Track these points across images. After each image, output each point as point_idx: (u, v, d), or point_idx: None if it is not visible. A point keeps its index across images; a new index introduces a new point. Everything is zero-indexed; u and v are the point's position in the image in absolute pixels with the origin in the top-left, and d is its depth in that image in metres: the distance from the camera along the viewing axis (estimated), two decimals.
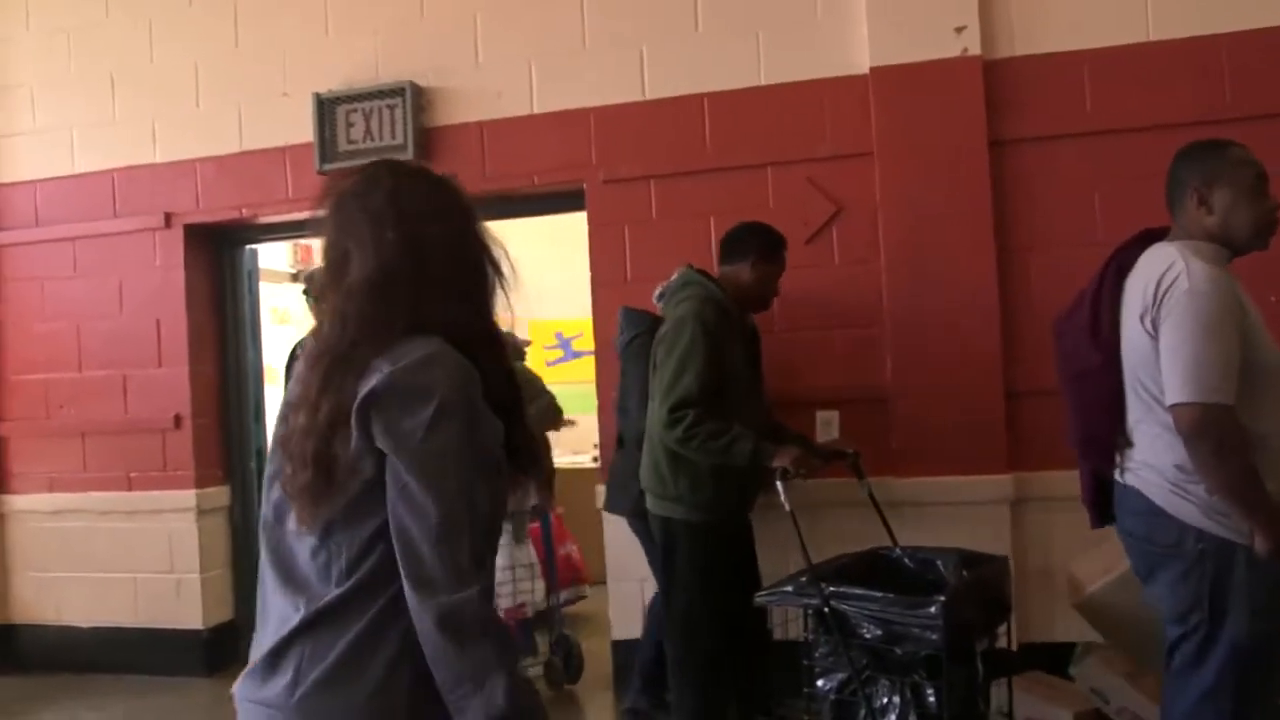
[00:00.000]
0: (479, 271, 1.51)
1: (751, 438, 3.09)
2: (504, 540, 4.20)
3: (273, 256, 7.21)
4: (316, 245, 6.57)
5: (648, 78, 4.28)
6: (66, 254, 5.16)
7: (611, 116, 4.31)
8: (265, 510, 1.45)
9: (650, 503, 3.41)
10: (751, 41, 4.19)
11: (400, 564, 1.31)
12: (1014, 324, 3.88)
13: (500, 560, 4.15)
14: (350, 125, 4.55)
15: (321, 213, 1.51)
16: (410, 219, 1.44)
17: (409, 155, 4.45)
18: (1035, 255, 3.91)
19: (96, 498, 5.07)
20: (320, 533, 1.36)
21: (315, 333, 1.45)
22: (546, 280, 9.22)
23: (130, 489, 5.02)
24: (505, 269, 1.55)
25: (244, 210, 4.82)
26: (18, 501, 5.26)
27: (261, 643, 1.40)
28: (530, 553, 4.39)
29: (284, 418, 1.42)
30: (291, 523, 1.38)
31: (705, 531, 3.29)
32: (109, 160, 5.09)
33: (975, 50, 3.92)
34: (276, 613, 1.39)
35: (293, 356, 1.36)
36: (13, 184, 5.28)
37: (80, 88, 5.14)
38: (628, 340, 3.79)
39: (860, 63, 4.05)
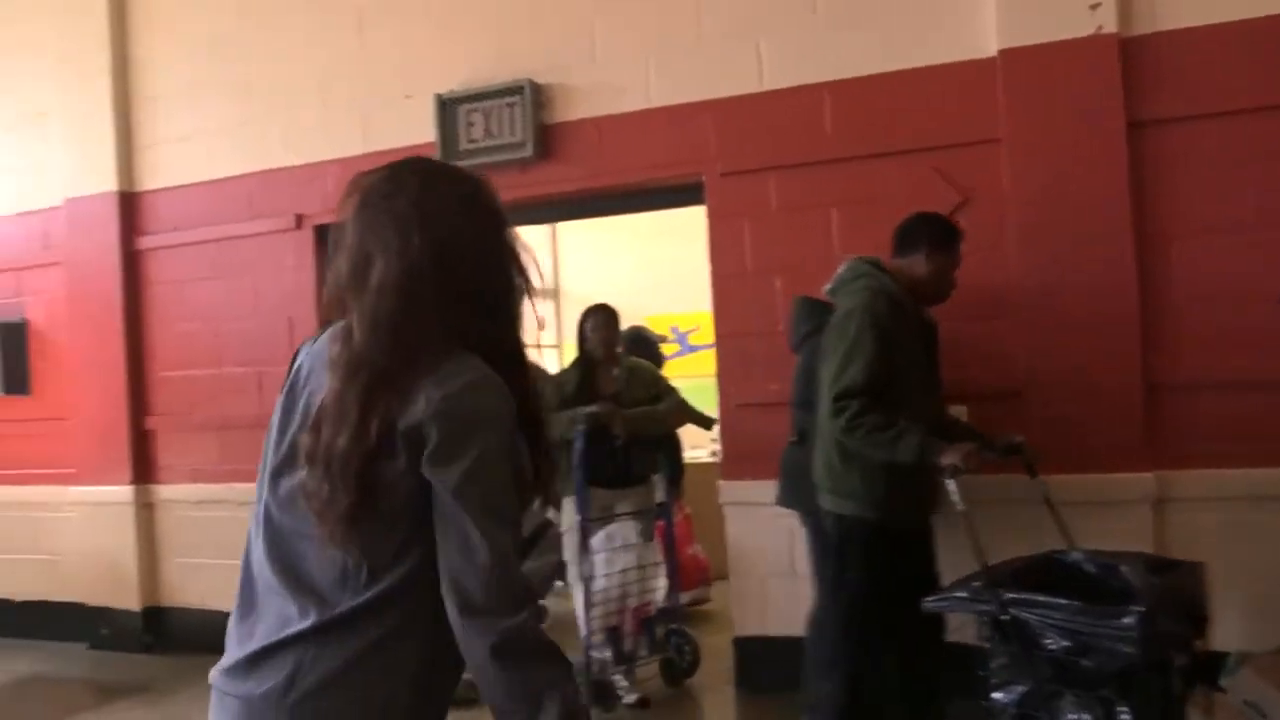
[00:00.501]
0: (508, 282, 1.42)
1: (919, 432, 2.98)
2: (632, 539, 4.21)
3: None
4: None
5: (765, 68, 4.23)
6: (205, 257, 5.41)
7: (730, 108, 4.27)
8: (268, 506, 1.41)
9: (822, 498, 3.30)
10: (873, 27, 4.09)
11: (450, 593, 1.28)
12: (1155, 315, 3.70)
13: (628, 559, 4.18)
14: (470, 125, 4.63)
15: (345, 212, 1.43)
16: (437, 223, 1.36)
17: (529, 153, 4.52)
18: (1178, 243, 3.72)
19: (237, 489, 5.28)
20: (350, 547, 1.31)
21: (341, 338, 1.36)
22: (660, 275, 9.25)
23: None
24: (534, 279, 1.45)
25: None
26: (165, 491, 5.54)
27: (248, 636, 1.37)
28: (656, 551, 4.37)
29: (313, 426, 1.33)
30: (306, 526, 1.33)
31: (878, 530, 3.16)
32: (244, 165, 5.30)
33: (1111, 28, 3.75)
34: (275, 612, 1.35)
35: (298, 356, 1.32)
36: (156, 191, 5.56)
37: (216, 95, 5.37)
38: (805, 333, 3.67)
39: (987, 45, 3.91)
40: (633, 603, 4.21)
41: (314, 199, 5.10)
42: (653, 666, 4.39)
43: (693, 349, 9.42)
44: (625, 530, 4.22)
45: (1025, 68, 3.83)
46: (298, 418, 1.39)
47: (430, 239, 1.35)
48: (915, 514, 3.27)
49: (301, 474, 1.33)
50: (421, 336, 1.32)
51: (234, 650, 1.39)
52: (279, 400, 1.47)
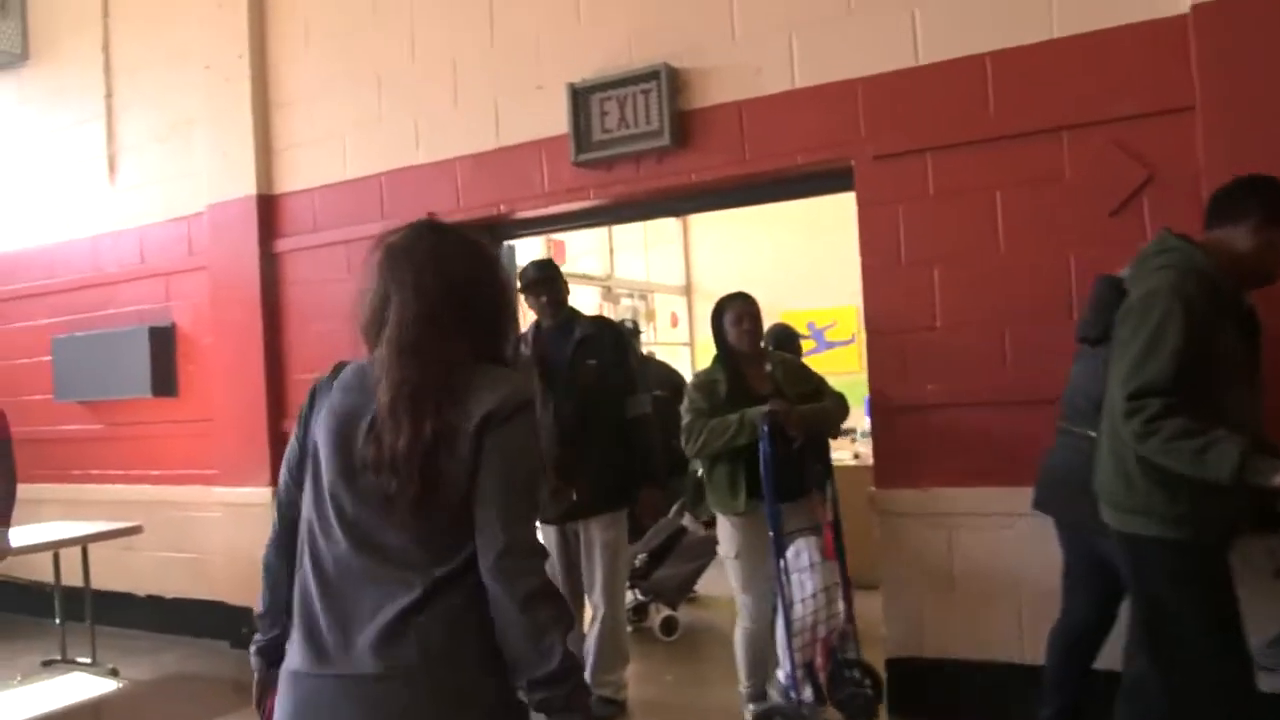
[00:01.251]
0: (504, 309, 1.78)
1: (1239, 444, 2.40)
2: (815, 557, 3.73)
3: (524, 250, 7.33)
4: (567, 240, 6.54)
5: (921, 40, 3.89)
6: (341, 256, 5.39)
7: (881, 86, 3.95)
8: (344, 509, 1.62)
9: (1109, 514, 2.74)
10: None
11: (487, 546, 1.55)
12: None
13: (812, 584, 3.70)
14: (605, 114, 4.44)
15: (370, 265, 1.76)
16: (449, 265, 1.69)
17: (665, 141, 4.29)
18: None
19: None
20: (420, 528, 1.57)
21: (382, 365, 1.65)
22: (795, 269, 8.94)
23: None
24: (516, 310, 1.89)
25: (501, 206, 4.83)
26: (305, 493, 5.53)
27: (354, 625, 1.57)
28: (836, 569, 3.86)
29: (375, 438, 1.59)
30: (384, 519, 1.58)
31: (1186, 550, 2.60)
32: (375, 164, 5.26)
33: None
34: (374, 596, 1.57)
35: (317, 386, 1.78)
36: (293, 193, 5.58)
37: (349, 95, 5.34)
38: (1107, 322, 2.94)
39: (1177, 1, 3.49)
40: (822, 631, 3.73)
41: (445, 196, 5.00)
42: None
43: (830, 345, 9.10)
44: (809, 547, 3.72)
45: (1224, 24, 3.39)
46: (359, 435, 1.63)
47: (445, 279, 1.67)
48: (1227, 534, 2.67)
49: (372, 477, 1.59)
50: (442, 354, 1.61)
51: (333, 638, 1.58)
52: (309, 424, 1.78)
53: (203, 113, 5.87)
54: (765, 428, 3.55)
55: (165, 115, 6.13)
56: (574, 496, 4.00)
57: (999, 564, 3.72)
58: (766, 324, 8.47)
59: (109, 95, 6.40)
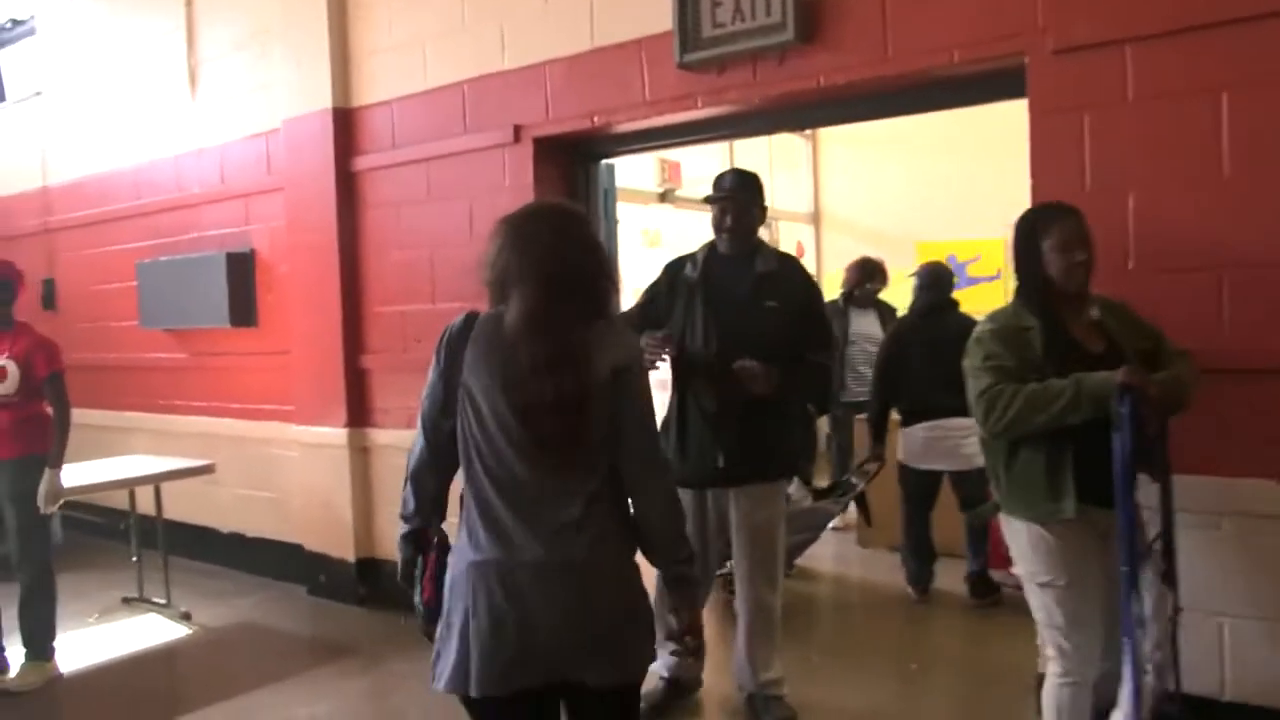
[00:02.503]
0: (609, 277, 2.12)
1: None
2: (1155, 585, 2.65)
3: (636, 173, 6.64)
4: (683, 158, 5.80)
5: None
6: (420, 176, 4.83)
7: None
8: (515, 442, 1.99)
9: None
10: None
11: (636, 460, 2.05)
12: None
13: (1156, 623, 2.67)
14: (716, 5, 3.68)
15: (496, 235, 2.08)
16: (564, 247, 2.03)
17: (789, 36, 3.51)
18: None
19: None
20: (573, 458, 2.01)
21: (512, 318, 2.01)
22: (936, 197, 8.02)
23: None
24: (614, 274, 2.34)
25: (596, 118, 4.15)
26: (380, 436, 5.10)
27: (539, 527, 1.99)
28: (1171, 599, 2.68)
29: (526, 391, 1.97)
30: (544, 453, 1.99)
31: None
32: (459, 71, 4.64)
33: None
34: (549, 506, 2.00)
35: (453, 335, 2.12)
36: (371, 105, 5.02)
37: None
38: None
39: None
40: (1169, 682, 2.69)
41: (534, 107, 4.35)
42: None
43: (972, 282, 8.23)
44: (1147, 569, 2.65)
45: None
46: (513, 387, 1.98)
47: (558, 257, 2.01)
48: None
49: (530, 421, 1.99)
50: (563, 323, 1.98)
51: (526, 537, 1.99)
52: (451, 365, 2.09)
53: (280, 18, 5.34)
54: (1125, 406, 2.42)
55: (245, 22, 5.64)
56: (720, 461, 3.35)
57: None
58: (902, 255, 7.68)
59: (189, 2, 5.94)
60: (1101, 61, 3.02)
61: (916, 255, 8.15)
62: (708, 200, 3.47)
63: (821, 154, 8.66)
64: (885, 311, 6.07)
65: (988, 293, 7.98)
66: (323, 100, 5.09)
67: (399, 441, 4.98)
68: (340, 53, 5.08)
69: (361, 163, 5.04)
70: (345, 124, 5.08)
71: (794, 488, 4.78)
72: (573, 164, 4.46)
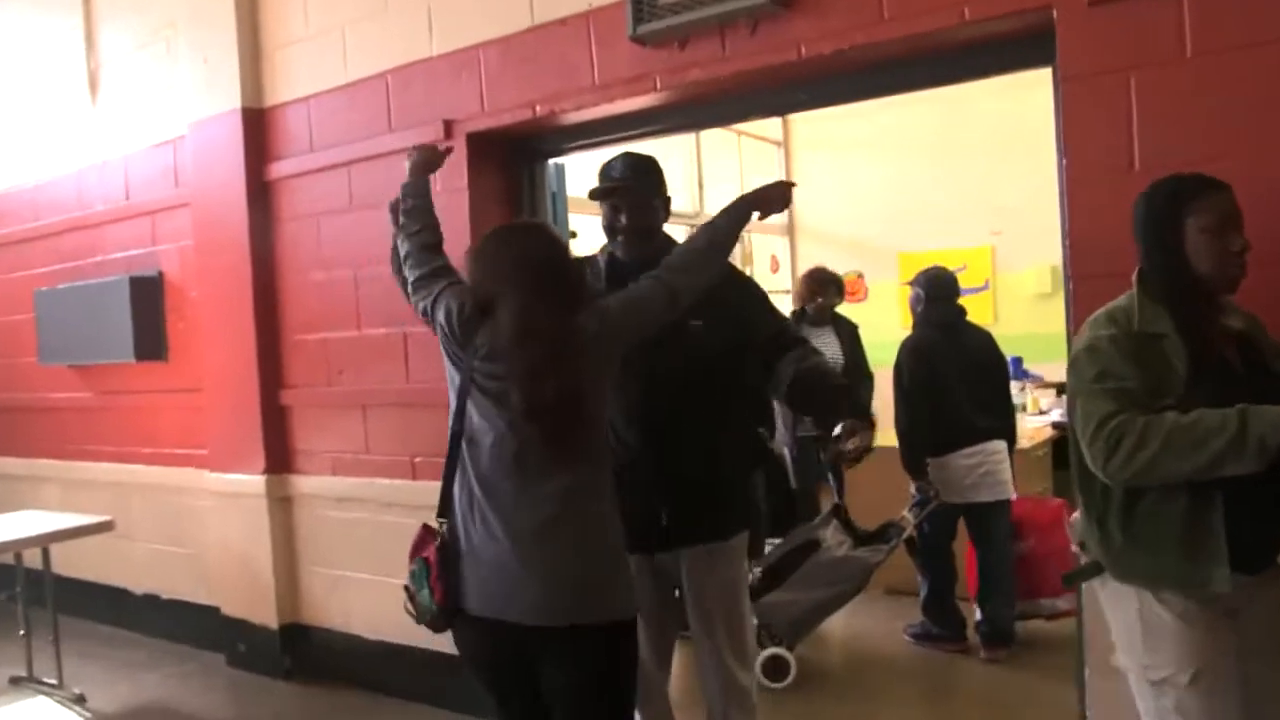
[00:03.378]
0: (580, 280, 2.33)
1: None
2: None
3: (593, 181, 6.01)
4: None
5: None
6: (342, 183, 4.19)
7: None
8: (525, 432, 2.13)
9: None
10: None
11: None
12: None
13: None
14: None
15: (472, 259, 2.26)
16: (535, 265, 2.19)
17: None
18: None
19: (380, 485, 4.10)
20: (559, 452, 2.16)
21: (502, 327, 2.16)
22: (918, 203, 7.46)
23: (414, 477, 3.98)
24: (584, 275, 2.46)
25: (538, 107, 3.53)
26: (303, 483, 4.43)
27: (531, 505, 2.16)
28: None
29: (520, 393, 2.12)
30: (531, 446, 2.15)
31: None
32: (382, 60, 4.01)
33: None
34: (548, 485, 2.16)
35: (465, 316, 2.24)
36: (287, 104, 4.39)
37: None
38: None
39: None
40: None
41: (466, 98, 3.73)
42: None
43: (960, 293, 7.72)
44: None
45: None
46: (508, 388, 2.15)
47: (531, 275, 2.16)
48: None
49: (522, 419, 2.14)
50: (546, 332, 2.12)
51: (520, 515, 2.16)
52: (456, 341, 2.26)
53: (185, 10, 4.70)
54: None
55: (149, 17, 5.00)
56: (663, 520, 2.61)
57: None
58: (883, 266, 7.06)
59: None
60: (1150, 10, 2.44)
61: (899, 266, 7.62)
62: (594, 195, 2.73)
63: (795, 161, 8.09)
64: (844, 329, 5.23)
65: (976, 304, 7.44)
66: (231, 100, 4.45)
67: (324, 490, 4.33)
68: (251, 45, 4.44)
69: (276, 170, 4.40)
70: (257, 126, 4.44)
71: (831, 531, 4.14)
72: (514, 163, 3.83)
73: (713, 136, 7.27)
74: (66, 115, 5.46)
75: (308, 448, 4.42)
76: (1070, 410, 2.01)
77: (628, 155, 2.72)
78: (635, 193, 2.65)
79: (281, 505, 4.49)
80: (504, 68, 3.61)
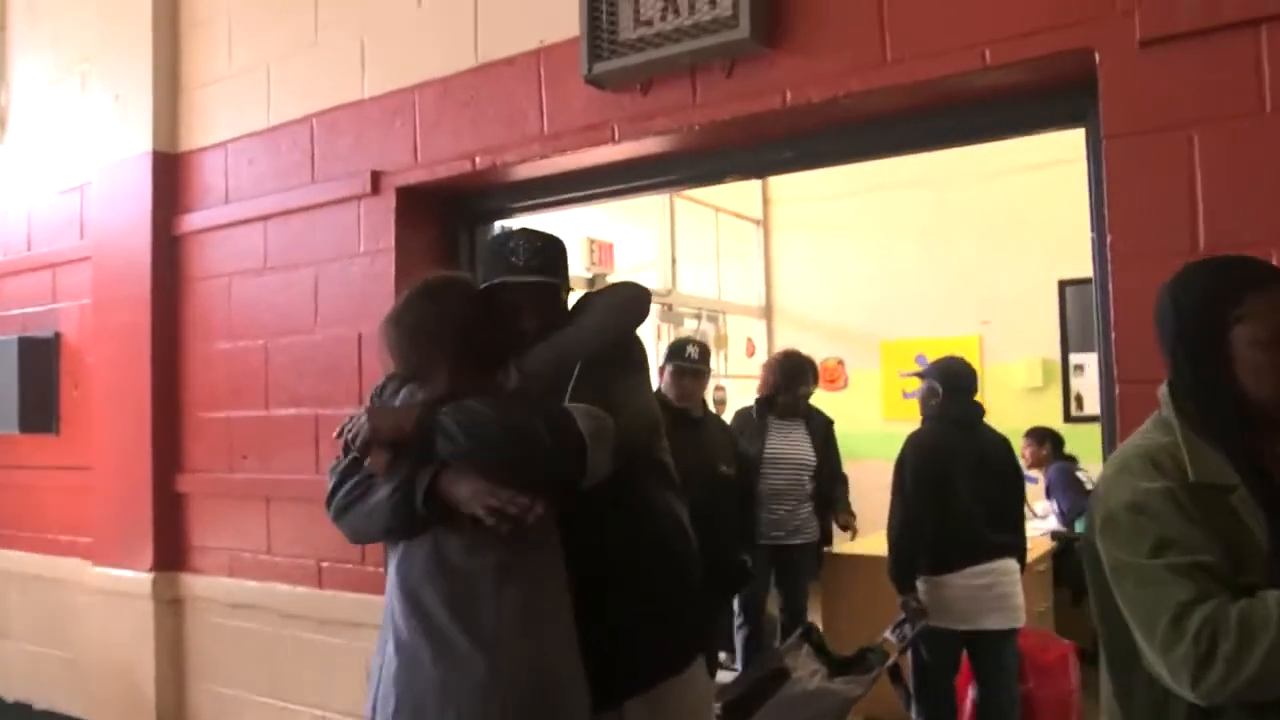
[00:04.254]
0: (504, 336, 1.99)
1: None
2: None
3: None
4: (616, 238, 4.41)
5: None
6: (257, 239, 3.66)
7: None
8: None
9: None
10: None
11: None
12: None
13: None
14: (638, 0, 2.62)
15: (386, 337, 1.98)
16: (456, 334, 1.92)
17: (743, 34, 2.43)
18: None
19: (280, 592, 3.49)
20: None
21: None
22: (904, 290, 7.05)
23: (321, 585, 3.38)
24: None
25: (479, 159, 3.03)
26: (197, 584, 3.80)
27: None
28: None
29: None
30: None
31: None
32: (308, 102, 3.52)
33: None
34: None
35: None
36: (203, 149, 3.87)
37: (280, 5, 3.63)
38: None
39: None
40: None
41: (398, 146, 3.23)
42: None
43: None
44: None
45: None
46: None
47: (454, 343, 1.91)
48: None
49: None
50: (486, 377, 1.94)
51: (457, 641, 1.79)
52: None
53: (98, 43, 4.22)
54: None
55: (63, 49, 4.51)
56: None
57: None
58: (864, 354, 6.51)
59: (2, 29, 4.81)
60: (1218, 52, 1.98)
61: (881, 354, 7.17)
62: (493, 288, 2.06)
63: (774, 240, 7.67)
64: (817, 424, 4.61)
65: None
66: (143, 143, 3.93)
67: (218, 593, 3.71)
68: (169, 82, 3.95)
69: (187, 223, 3.87)
70: (169, 173, 3.92)
71: (802, 657, 3.50)
72: (451, 224, 3.31)
73: (688, 211, 6.85)
74: None
75: (203, 543, 3.80)
76: (1103, 592, 1.44)
77: (531, 235, 2.11)
78: (545, 288, 2.05)
79: (170, 608, 3.85)
80: (441, 113, 3.12)
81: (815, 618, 4.55)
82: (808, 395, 4.66)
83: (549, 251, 2.07)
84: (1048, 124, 2.35)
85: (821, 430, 4.62)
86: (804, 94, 2.42)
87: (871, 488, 6.58)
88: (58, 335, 4.45)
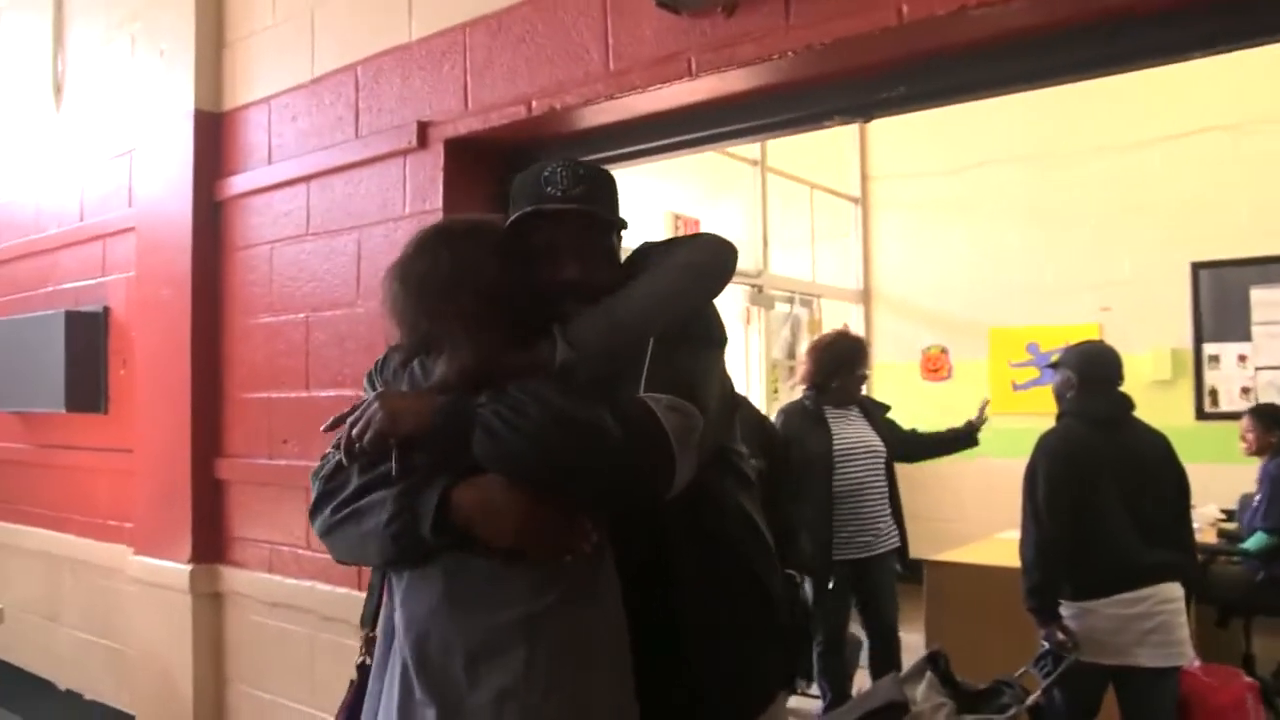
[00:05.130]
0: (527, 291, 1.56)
1: None
2: None
3: (636, 232, 5.09)
4: (702, 212, 3.94)
5: None
6: (299, 202, 3.33)
7: None
8: None
9: None
10: None
11: None
12: None
13: None
14: None
15: (389, 292, 1.57)
16: (474, 282, 1.49)
17: None
18: None
19: (320, 592, 3.16)
20: None
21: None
22: (1012, 274, 6.46)
23: (361, 586, 3.03)
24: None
25: (535, 103, 2.63)
26: (237, 579, 3.51)
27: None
28: None
29: None
30: None
31: None
32: (353, 49, 3.16)
33: None
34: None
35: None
36: (245, 106, 3.56)
37: None
38: None
39: None
40: None
41: (447, 91, 2.85)
42: None
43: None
44: None
45: None
46: None
47: (469, 295, 1.50)
48: None
49: None
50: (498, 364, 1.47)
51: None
52: None
53: (144, 4, 3.95)
54: None
55: (115, 8, 4.26)
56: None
57: None
58: (970, 342, 5.96)
59: None
60: None
61: (989, 342, 6.60)
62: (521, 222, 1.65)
63: (873, 220, 7.14)
64: (873, 410, 4.15)
65: None
66: (185, 102, 3.64)
67: (261, 591, 3.41)
68: (213, 34, 3.65)
69: (229, 187, 3.56)
70: (212, 133, 3.62)
71: (924, 688, 3.00)
72: (504, 185, 2.88)
73: (780, 187, 6.38)
74: (29, 124, 4.75)
75: (244, 534, 3.50)
76: None
77: (574, 163, 1.67)
78: (590, 222, 1.64)
79: (209, 603, 3.57)
80: (493, 53, 2.72)
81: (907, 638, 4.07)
82: (863, 380, 4.17)
83: (596, 180, 1.64)
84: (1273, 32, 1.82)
85: (880, 417, 4.13)
86: (925, 6, 1.94)
87: (978, 489, 6.06)
88: (106, 310, 4.22)
